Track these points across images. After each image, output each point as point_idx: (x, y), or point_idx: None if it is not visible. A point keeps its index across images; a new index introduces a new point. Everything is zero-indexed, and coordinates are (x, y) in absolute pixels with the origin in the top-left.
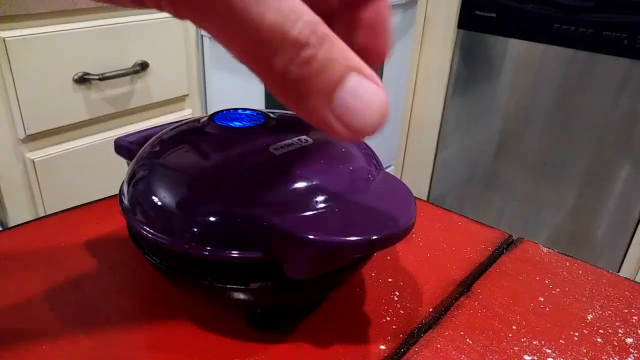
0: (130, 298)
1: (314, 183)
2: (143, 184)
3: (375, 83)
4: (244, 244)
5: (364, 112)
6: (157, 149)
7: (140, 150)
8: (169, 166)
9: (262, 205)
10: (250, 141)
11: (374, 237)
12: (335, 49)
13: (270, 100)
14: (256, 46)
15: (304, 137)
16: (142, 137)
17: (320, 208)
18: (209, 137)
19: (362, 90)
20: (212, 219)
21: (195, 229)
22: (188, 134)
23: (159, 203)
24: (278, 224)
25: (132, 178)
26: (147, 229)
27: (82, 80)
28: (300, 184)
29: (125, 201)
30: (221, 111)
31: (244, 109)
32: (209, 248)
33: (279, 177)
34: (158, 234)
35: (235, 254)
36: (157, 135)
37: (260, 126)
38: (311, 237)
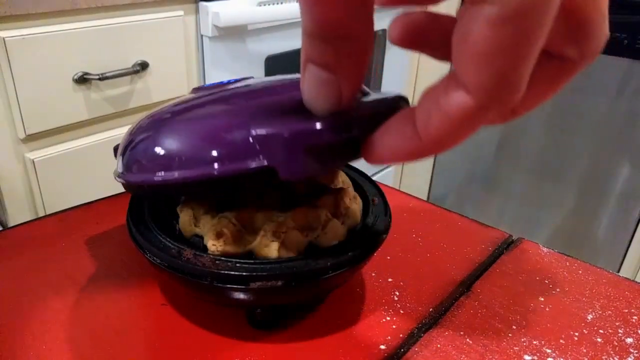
0: (130, 298)
1: (291, 95)
2: (141, 138)
3: None
4: (239, 157)
5: None
6: (148, 118)
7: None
8: (162, 117)
9: (249, 119)
10: (232, 85)
11: (350, 119)
12: None
13: None
14: None
15: (280, 77)
16: None
17: (300, 112)
18: (195, 93)
19: None
20: (210, 139)
21: (198, 152)
22: (177, 100)
23: (163, 140)
24: (266, 130)
25: (129, 144)
26: (155, 172)
27: (82, 80)
28: (279, 98)
29: (127, 159)
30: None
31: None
32: (215, 166)
33: (260, 98)
34: (165, 171)
35: (233, 166)
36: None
37: (242, 79)
38: (298, 127)
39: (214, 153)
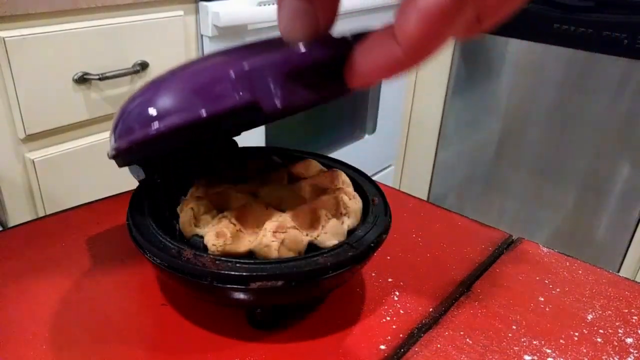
0: (130, 298)
1: (269, 44)
2: (130, 107)
3: None
4: (223, 96)
5: None
6: (134, 92)
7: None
8: (146, 85)
9: (230, 64)
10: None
11: (326, 42)
12: None
13: None
14: None
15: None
16: None
17: (277, 48)
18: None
19: None
20: (193, 85)
21: (183, 99)
22: None
23: (150, 98)
24: (247, 66)
25: (118, 118)
26: (147, 126)
27: (82, 80)
28: (258, 47)
29: (117, 130)
30: None
31: None
32: (200, 109)
33: (240, 51)
34: (157, 121)
35: (217, 106)
36: None
37: None
38: (275, 58)
39: (198, 96)
